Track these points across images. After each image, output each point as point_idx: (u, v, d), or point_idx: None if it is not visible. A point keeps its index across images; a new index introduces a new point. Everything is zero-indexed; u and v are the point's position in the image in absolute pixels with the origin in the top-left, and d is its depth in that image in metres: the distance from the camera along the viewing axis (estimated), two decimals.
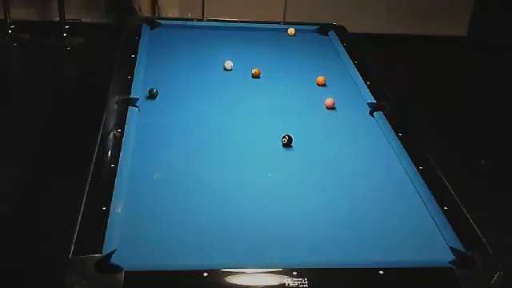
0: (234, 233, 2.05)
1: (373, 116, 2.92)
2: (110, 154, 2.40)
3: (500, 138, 4.65)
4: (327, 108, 2.99)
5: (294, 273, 1.82)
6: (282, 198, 2.27)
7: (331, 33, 3.91)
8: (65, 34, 5.66)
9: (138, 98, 2.83)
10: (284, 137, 2.60)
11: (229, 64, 3.33)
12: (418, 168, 2.44)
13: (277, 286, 1.81)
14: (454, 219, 2.14)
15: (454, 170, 2.81)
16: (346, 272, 1.90)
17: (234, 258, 1.91)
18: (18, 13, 5.76)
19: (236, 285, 1.82)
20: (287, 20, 5.65)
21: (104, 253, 1.85)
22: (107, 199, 2.09)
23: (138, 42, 3.49)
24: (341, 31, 3.93)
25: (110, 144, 2.47)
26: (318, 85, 3.23)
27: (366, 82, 3.20)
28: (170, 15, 5.24)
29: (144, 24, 3.77)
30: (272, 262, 1.88)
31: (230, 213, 2.15)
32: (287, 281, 1.80)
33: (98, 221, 1.99)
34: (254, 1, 5.89)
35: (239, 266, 1.86)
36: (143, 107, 2.82)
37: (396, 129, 2.74)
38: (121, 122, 2.62)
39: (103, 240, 1.89)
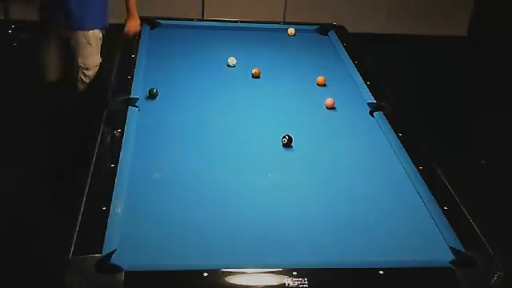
0: (234, 233, 2.05)
1: (373, 116, 2.92)
2: (109, 154, 2.40)
3: (500, 138, 4.64)
4: (327, 108, 2.99)
5: (294, 273, 1.82)
6: (281, 198, 2.27)
7: (331, 33, 3.91)
8: None
9: (137, 98, 2.84)
10: (284, 137, 2.60)
11: (232, 60, 3.34)
12: (417, 168, 2.44)
13: (277, 286, 1.82)
14: (454, 219, 2.14)
15: (454, 170, 2.80)
16: (346, 272, 1.90)
17: (234, 258, 1.91)
18: (18, 13, 5.75)
19: (236, 285, 1.83)
20: (287, 20, 5.65)
21: (104, 253, 1.85)
22: (107, 199, 2.09)
23: (138, 42, 3.50)
24: (341, 31, 3.93)
25: (110, 144, 2.48)
26: (317, 85, 3.23)
27: (365, 82, 3.20)
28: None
29: (144, 24, 3.77)
30: (272, 262, 1.89)
31: (230, 213, 2.16)
32: (287, 281, 1.80)
33: (98, 221, 1.99)
34: (253, 1, 5.89)
35: (239, 266, 1.86)
36: (143, 107, 2.82)
37: (396, 129, 2.74)
38: (121, 122, 2.62)
39: (103, 240, 1.89)
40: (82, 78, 3.51)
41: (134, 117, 2.70)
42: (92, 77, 3.56)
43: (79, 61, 3.46)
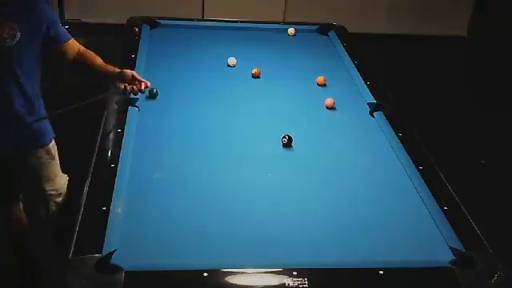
0: (234, 233, 2.05)
1: (373, 116, 2.92)
2: (109, 154, 2.40)
3: (500, 137, 4.65)
4: (327, 108, 2.99)
5: (294, 273, 1.82)
6: (282, 198, 2.27)
7: (331, 33, 3.91)
8: None
9: (138, 98, 2.83)
10: (284, 137, 2.60)
11: (232, 60, 3.35)
12: (417, 168, 2.44)
13: (277, 286, 1.81)
14: (454, 219, 2.14)
15: (454, 170, 2.80)
16: (346, 272, 1.90)
17: (234, 258, 1.91)
18: None
19: (236, 285, 1.83)
20: (287, 20, 5.65)
21: (104, 253, 1.85)
22: (107, 199, 2.09)
23: (138, 42, 3.49)
24: (341, 31, 3.93)
25: (110, 144, 2.48)
26: (318, 85, 3.23)
27: (366, 82, 3.20)
28: None
29: (144, 24, 3.77)
30: (272, 262, 1.89)
31: (230, 213, 2.15)
32: (287, 281, 1.80)
33: (98, 221, 1.99)
34: (253, 1, 5.89)
35: (239, 266, 1.86)
36: (143, 107, 2.82)
37: (396, 129, 2.74)
38: (121, 122, 2.62)
39: (103, 240, 1.89)
40: (54, 209, 2.62)
41: (133, 117, 2.70)
42: (64, 199, 2.66)
43: (47, 188, 2.54)
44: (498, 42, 6.15)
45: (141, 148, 2.50)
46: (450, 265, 1.93)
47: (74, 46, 2.46)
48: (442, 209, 2.20)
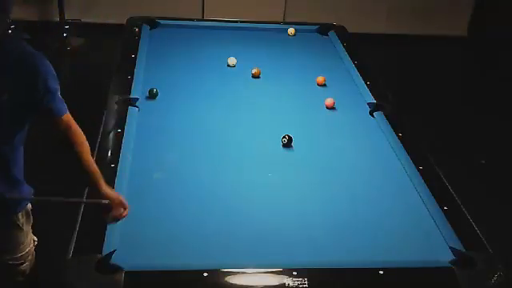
0: (234, 233, 2.05)
1: (373, 116, 2.92)
2: (110, 154, 2.40)
3: (500, 138, 4.65)
4: (327, 108, 2.99)
5: (294, 273, 1.82)
6: (282, 198, 2.27)
7: (331, 33, 3.91)
8: (65, 34, 5.66)
9: (137, 98, 2.84)
10: (284, 137, 2.60)
11: (232, 60, 3.35)
12: (417, 168, 2.44)
13: (277, 286, 1.82)
14: (454, 219, 2.14)
15: (454, 170, 2.80)
16: (346, 272, 1.90)
17: (234, 258, 1.91)
18: (18, 13, 5.75)
19: (236, 285, 1.83)
20: (287, 20, 5.65)
21: (104, 253, 1.85)
22: None
23: (138, 42, 3.49)
24: (341, 31, 3.93)
25: (110, 144, 2.48)
26: (317, 85, 3.23)
27: (366, 82, 3.20)
28: None
29: (144, 24, 3.77)
30: (272, 262, 1.89)
31: (230, 213, 2.16)
32: (287, 281, 1.80)
33: (98, 221, 1.99)
34: (253, 1, 5.89)
35: (239, 266, 1.86)
36: (143, 107, 2.82)
37: (396, 129, 2.74)
38: (121, 122, 2.62)
39: (103, 240, 1.89)
40: (15, 277, 2.30)
41: (133, 117, 2.70)
42: (30, 265, 2.33)
43: (6, 258, 2.21)
44: (498, 42, 6.14)
45: (141, 148, 2.50)
46: (450, 265, 1.93)
47: (67, 122, 2.06)
48: (442, 209, 2.20)
